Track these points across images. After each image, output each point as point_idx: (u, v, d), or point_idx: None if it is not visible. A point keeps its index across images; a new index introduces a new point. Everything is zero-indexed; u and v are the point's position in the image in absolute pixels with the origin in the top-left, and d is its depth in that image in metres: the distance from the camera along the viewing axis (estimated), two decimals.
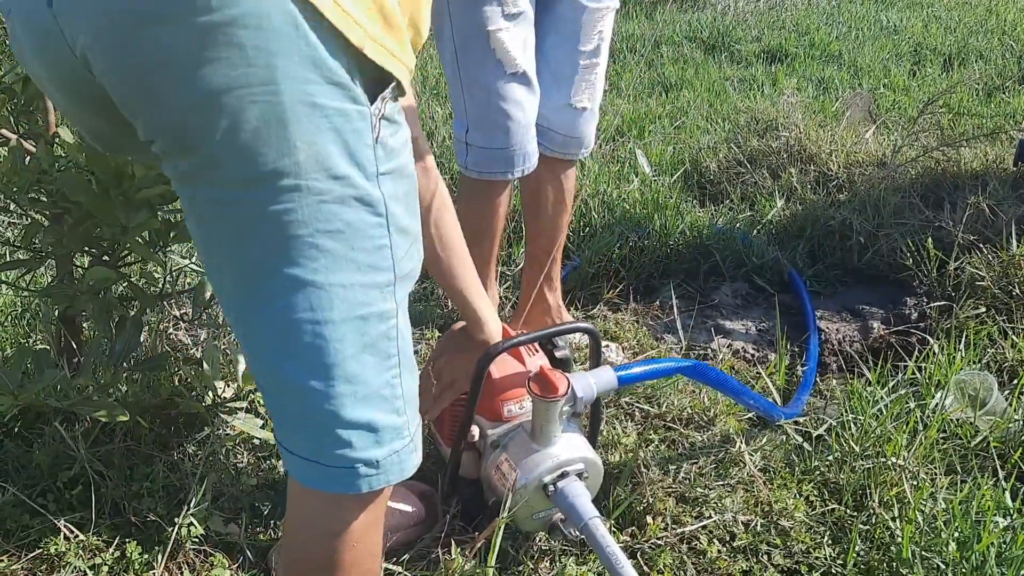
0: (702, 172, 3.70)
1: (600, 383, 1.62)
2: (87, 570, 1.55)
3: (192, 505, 1.63)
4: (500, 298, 2.62)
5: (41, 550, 1.57)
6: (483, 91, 2.02)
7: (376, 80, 0.95)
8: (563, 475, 1.58)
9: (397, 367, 1.03)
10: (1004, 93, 4.63)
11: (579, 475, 1.60)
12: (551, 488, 1.57)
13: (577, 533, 1.60)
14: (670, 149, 3.92)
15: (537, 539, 1.73)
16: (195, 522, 1.61)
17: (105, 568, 1.56)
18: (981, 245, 2.79)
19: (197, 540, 1.62)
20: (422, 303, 2.52)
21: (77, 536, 1.59)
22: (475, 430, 1.66)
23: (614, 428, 2.02)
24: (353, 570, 1.08)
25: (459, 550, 1.54)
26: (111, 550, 1.59)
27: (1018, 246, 2.72)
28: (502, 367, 1.64)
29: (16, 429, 1.83)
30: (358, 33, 0.90)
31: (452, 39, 2.01)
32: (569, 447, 1.61)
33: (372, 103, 0.95)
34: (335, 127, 0.91)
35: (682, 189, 3.52)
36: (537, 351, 1.71)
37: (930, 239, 2.83)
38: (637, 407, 2.11)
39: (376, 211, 0.97)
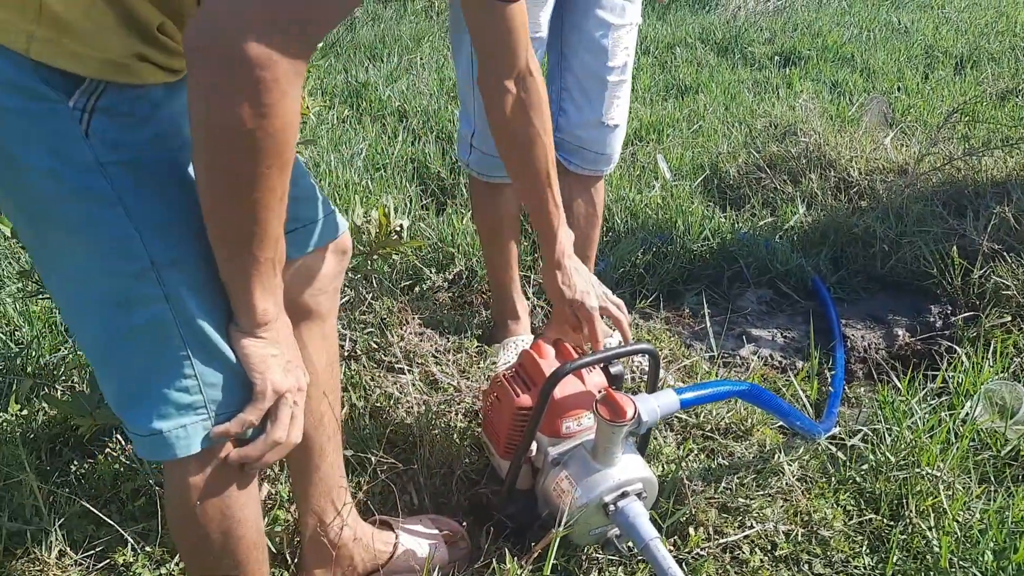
0: (722, 177, 3.74)
1: (664, 407, 1.66)
2: None
3: None
4: (534, 304, 2.66)
5: (109, 560, 1.61)
6: None
7: (70, 78, 1.02)
8: (623, 495, 1.62)
9: (184, 349, 1.09)
10: (1018, 97, 4.67)
11: (638, 495, 1.64)
12: (611, 507, 1.61)
13: (629, 547, 1.64)
14: (689, 154, 3.95)
15: (585, 550, 1.77)
16: None
17: None
18: (1005, 254, 2.83)
19: None
20: (457, 311, 2.56)
21: (143, 546, 1.64)
22: (533, 445, 1.70)
23: (655, 439, 2.06)
24: (210, 527, 1.16)
25: (514, 559, 1.58)
26: (175, 560, 1.63)
27: None
28: (563, 386, 1.68)
29: (79, 441, 1.87)
30: (19, 38, 0.98)
31: (471, 53, 2.06)
32: (629, 468, 1.65)
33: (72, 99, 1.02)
34: (22, 128, 1.00)
35: (703, 194, 3.56)
36: (593, 368, 1.75)
37: (954, 247, 2.87)
38: (676, 417, 2.15)
39: (107, 202, 1.04)
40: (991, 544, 1.80)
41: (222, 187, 1.01)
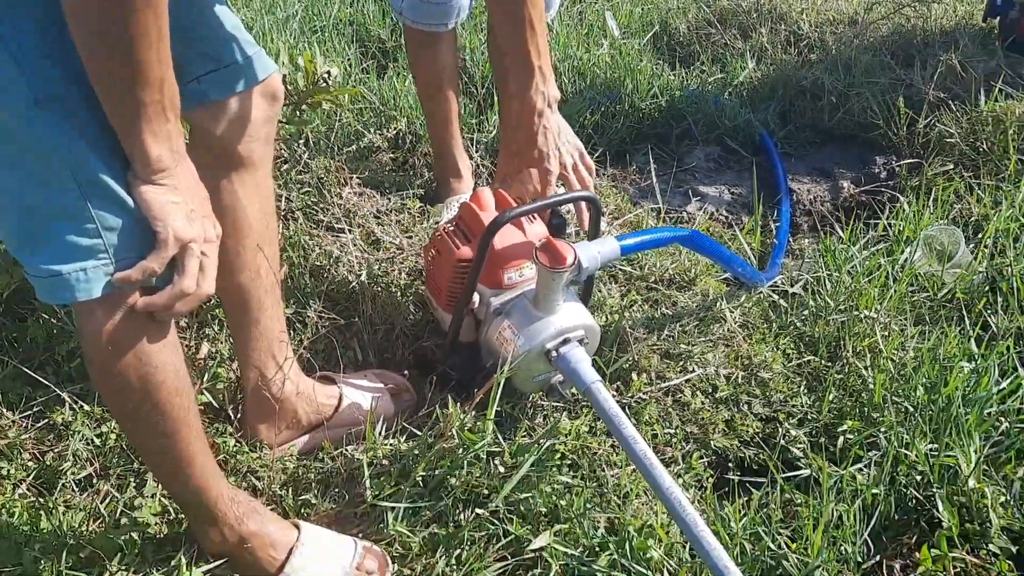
0: (671, 34, 3.64)
1: (604, 253, 1.65)
2: (94, 438, 1.58)
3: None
4: (476, 164, 2.61)
5: (48, 419, 1.60)
6: None
7: None
8: (564, 341, 1.63)
9: (78, 190, 1.05)
10: None
11: (580, 341, 1.65)
12: (553, 354, 1.62)
13: (573, 393, 1.66)
14: (638, 10, 3.83)
15: (529, 397, 1.79)
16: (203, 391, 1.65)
17: (112, 436, 1.59)
18: (950, 102, 2.82)
19: (201, 407, 1.66)
20: (399, 172, 2.50)
21: (81, 406, 1.62)
22: (475, 297, 1.69)
23: (599, 290, 2.06)
24: (126, 373, 1.15)
25: (457, 404, 1.59)
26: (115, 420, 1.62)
27: (986, 102, 2.75)
28: (503, 236, 1.66)
29: (9, 305, 1.82)
30: None
31: None
32: (571, 315, 1.65)
33: None
34: None
35: (652, 52, 3.47)
36: (535, 218, 1.73)
37: (900, 97, 2.85)
38: (620, 269, 2.15)
39: None
40: (923, 380, 1.85)
41: (92, 28, 0.96)
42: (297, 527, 1.44)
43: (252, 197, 1.45)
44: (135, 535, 1.45)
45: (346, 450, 1.61)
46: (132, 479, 1.57)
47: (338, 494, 1.56)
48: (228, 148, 1.38)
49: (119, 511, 1.50)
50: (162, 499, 1.52)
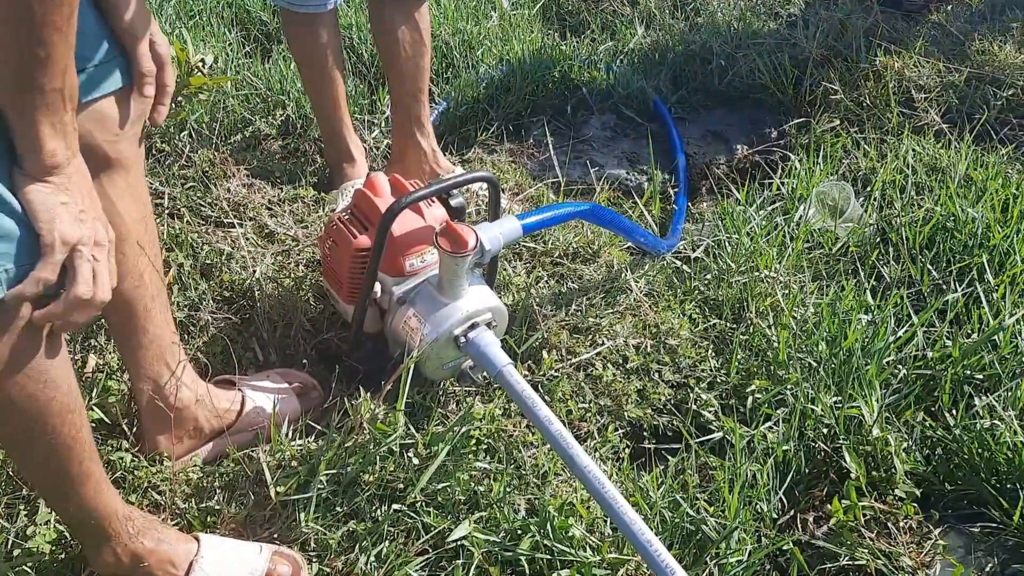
0: (560, 3, 3.62)
1: (506, 234, 1.62)
2: None
3: None
4: (371, 146, 2.54)
5: None
6: None
7: None
8: (473, 326, 1.60)
9: None
10: None
11: (488, 324, 1.62)
12: (462, 339, 1.59)
13: (485, 377, 1.63)
14: None
15: (441, 385, 1.75)
16: None
17: None
18: (833, 60, 2.89)
19: (92, 423, 1.56)
20: (290, 160, 2.41)
21: None
22: (377, 287, 1.64)
23: (504, 269, 2.04)
24: (14, 391, 1.07)
25: (367, 395, 1.54)
26: None
27: (867, 57, 2.83)
28: (402, 222, 1.61)
29: None
30: None
31: None
32: (477, 299, 1.61)
33: None
34: None
35: (543, 22, 3.45)
36: (433, 202, 1.68)
37: (786, 57, 2.90)
38: (524, 246, 2.12)
39: None
40: (824, 335, 1.90)
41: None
42: (197, 540, 1.38)
43: (127, 200, 1.36)
44: (29, 566, 1.36)
45: (252, 452, 1.55)
46: (22, 507, 1.47)
47: (245, 498, 1.49)
48: (97, 150, 1.29)
49: (10, 542, 1.41)
50: (56, 525, 1.43)
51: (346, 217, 1.70)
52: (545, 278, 2.05)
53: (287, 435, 1.57)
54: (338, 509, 1.46)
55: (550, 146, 2.63)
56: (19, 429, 1.11)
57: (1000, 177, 2.38)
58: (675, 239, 2.24)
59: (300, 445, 1.53)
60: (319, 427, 1.58)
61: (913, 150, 2.53)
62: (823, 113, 2.74)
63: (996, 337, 1.91)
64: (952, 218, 2.24)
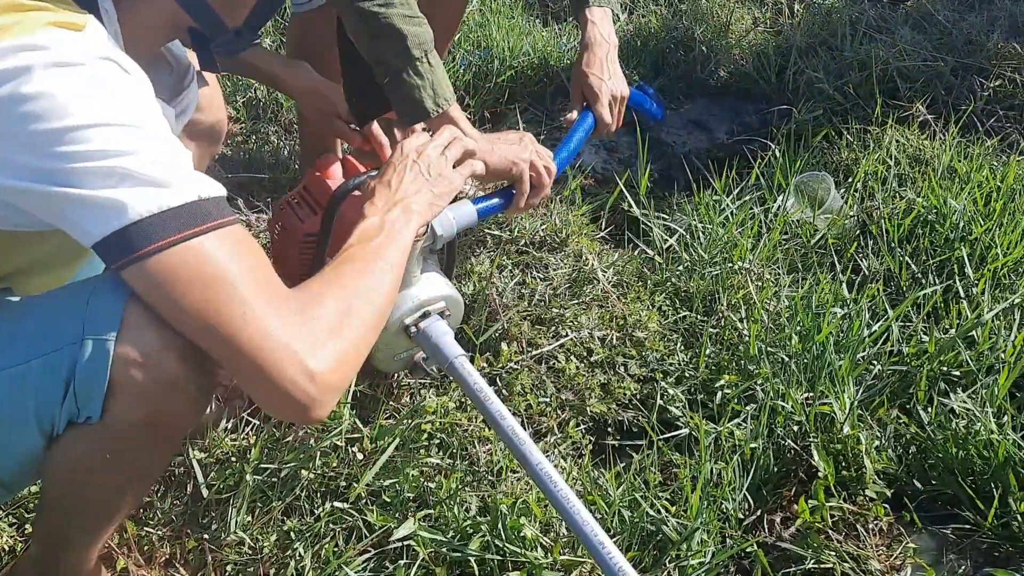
0: None
1: (460, 218, 1.54)
2: None
3: None
4: None
5: None
6: None
7: None
8: (425, 315, 1.52)
9: None
10: None
11: (441, 314, 1.54)
12: (413, 329, 1.51)
13: (438, 369, 1.56)
14: None
15: (394, 376, 1.68)
16: None
17: None
18: (818, 48, 2.82)
19: None
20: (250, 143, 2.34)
21: None
22: None
23: (467, 257, 1.96)
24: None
25: None
26: None
27: (851, 46, 2.76)
28: (352, 206, 1.53)
29: None
30: None
31: None
32: (429, 286, 1.53)
33: None
34: None
35: (523, 8, 3.37)
36: None
37: (771, 45, 2.83)
38: (489, 233, 2.05)
39: None
40: (797, 328, 1.83)
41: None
42: None
43: None
44: None
45: (184, 450, 1.47)
46: None
47: (181, 493, 1.42)
48: None
49: None
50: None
51: (295, 200, 1.62)
52: (509, 267, 1.98)
53: (224, 430, 1.49)
54: (274, 505, 1.39)
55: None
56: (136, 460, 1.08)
57: (985, 169, 2.31)
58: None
59: (234, 440, 1.46)
60: (255, 420, 1.50)
61: (897, 141, 2.46)
62: (806, 102, 2.67)
63: (974, 332, 1.84)
64: (934, 210, 2.17)
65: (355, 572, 1.36)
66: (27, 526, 1.36)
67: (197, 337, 0.96)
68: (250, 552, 1.37)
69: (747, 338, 1.82)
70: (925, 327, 1.88)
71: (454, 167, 1.37)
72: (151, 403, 0.99)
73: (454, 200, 1.59)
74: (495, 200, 1.64)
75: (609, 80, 1.85)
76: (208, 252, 0.94)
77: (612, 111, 1.85)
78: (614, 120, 1.86)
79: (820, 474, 1.59)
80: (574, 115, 1.88)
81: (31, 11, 0.94)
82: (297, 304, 0.99)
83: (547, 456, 1.63)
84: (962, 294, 1.96)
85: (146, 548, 1.36)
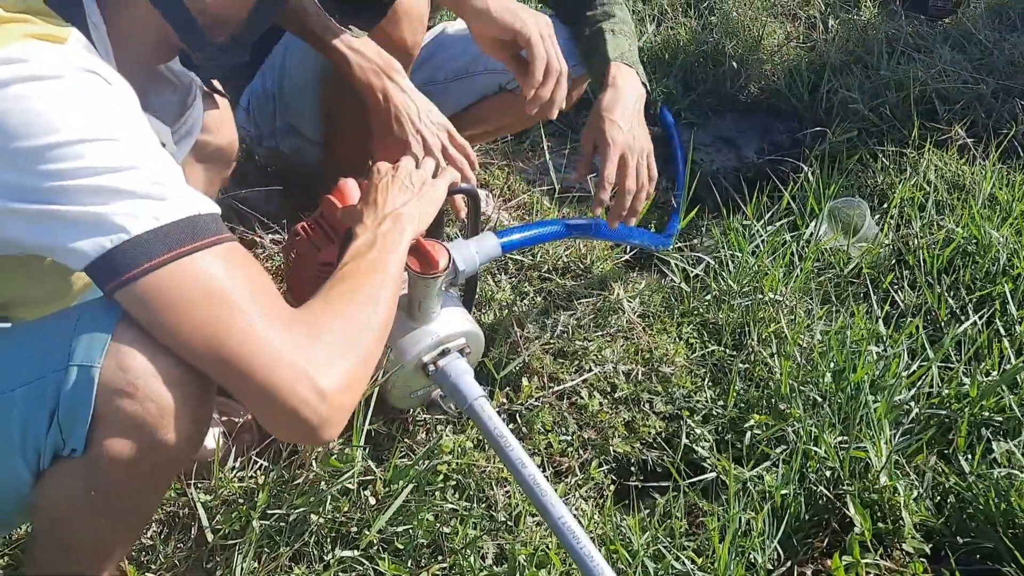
0: None
1: (483, 252, 1.47)
2: None
3: None
4: None
5: None
6: None
7: None
8: (444, 352, 1.45)
9: None
10: None
11: (461, 351, 1.47)
12: (432, 367, 1.43)
13: (457, 407, 1.49)
14: None
15: (410, 413, 1.61)
16: None
17: None
18: (853, 66, 2.73)
19: None
20: None
21: None
22: None
23: (487, 284, 1.89)
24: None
25: None
26: None
27: (888, 65, 2.67)
28: None
29: None
30: None
31: None
32: (449, 322, 1.46)
33: None
34: None
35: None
36: None
37: (803, 61, 2.75)
38: (510, 259, 1.98)
39: None
40: (831, 365, 1.75)
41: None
42: None
43: None
44: None
45: (188, 491, 1.40)
46: None
47: (185, 536, 1.36)
48: None
49: None
50: None
51: (311, 226, 1.55)
52: (531, 294, 1.91)
53: (231, 469, 1.43)
54: (281, 551, 1.32)
55: (546, 150, 2.48)
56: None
57: None
58: (673, 227, 2.09)
59: (242, 480, 1.39)
60: (263, 461, 1.44)
61: (935, 165, 2.37)
62: (840, 123, 2.58)
63: (1018, 376, 1.75)
64: (974, 241, 2.08)
65: None
66: (23, 568, 1.30)
67: (200, 358, 0.90)
68: None
69: (778, 375, 1.74)
70: (966, 370, 1.80)
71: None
72: (139, 435, 0.92)
73: (477, 233, 1.53)
74: (522, 234, 1.58)
75: (628, 131, 1.61)
76: (210, 268, 0.90)
77: (625, 171, 1.60)
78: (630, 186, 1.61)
79: (856, 529, 1.51)
80: (580, 172, 1.68)
81: (8, 23, 0.90)
82: (303, 323, 0.95)
83: (568, 498, 1.57)
84: (1003, 332, 1.87)
85: None
